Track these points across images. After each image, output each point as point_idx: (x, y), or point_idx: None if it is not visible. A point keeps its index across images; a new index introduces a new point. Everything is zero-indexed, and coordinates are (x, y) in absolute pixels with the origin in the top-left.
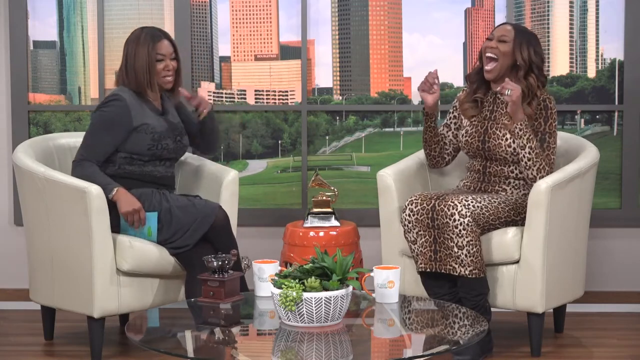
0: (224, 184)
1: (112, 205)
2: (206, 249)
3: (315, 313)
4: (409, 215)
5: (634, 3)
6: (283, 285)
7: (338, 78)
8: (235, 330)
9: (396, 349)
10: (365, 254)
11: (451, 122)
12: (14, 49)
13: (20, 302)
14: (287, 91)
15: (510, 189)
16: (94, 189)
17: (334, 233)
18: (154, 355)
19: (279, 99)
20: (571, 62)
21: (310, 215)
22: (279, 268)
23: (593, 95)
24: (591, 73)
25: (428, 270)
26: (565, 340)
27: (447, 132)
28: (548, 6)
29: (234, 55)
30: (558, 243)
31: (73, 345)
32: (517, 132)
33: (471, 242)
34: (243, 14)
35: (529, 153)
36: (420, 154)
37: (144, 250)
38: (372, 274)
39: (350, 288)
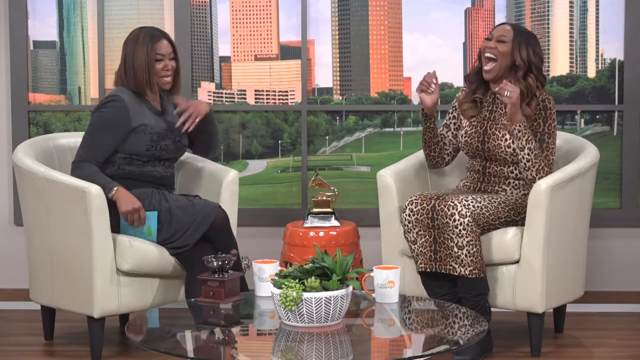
0: (224, 184)
1: (112, 205)
2: (206, 248)
3: (315, 313)
4: (409, 215)
5: (634, 3)
6: (283, 285)
7: (338, 78)
8: (235, 330)
9: (396, 349)
10: (365, 254)
11: (451, 123)
12: (14, 49)
13: (20, 302)
14: (287, 91)
15: (510, 189)
16: (94, 189)
17: (334, 233)
18: (154, 355)
19: (279, 99)
20: (571, 62)
21: (310, 215)
22: (279, 268)
23: (593, 95)
24: (591, 73)
25: (428, 270)
26: (565, 340)
27: (446, 132)
28: (548, 6)
29: (234, 55)
30: (558, 243)
31: (73, 345)
32: (516, 134)
33: (471, 242)
34: (243, 14)
35: (528, 154)
36: (420, 154)
37: (144, 250)
38: (372, 274)
39: (350, 288)
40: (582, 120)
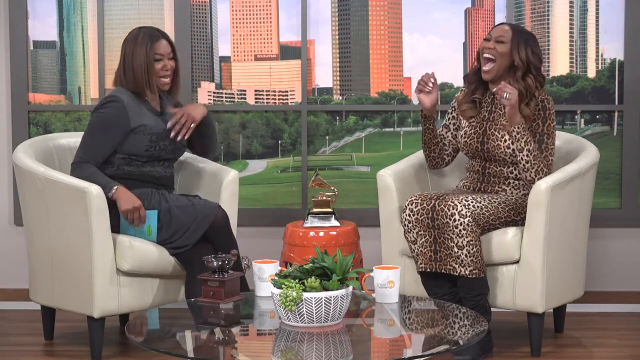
0: (224, 184)
1: (112, 205)
2: (206, 248)
3: (315, 313)
4: (409, 215)
5: (634, 3)
6: (283, 285)
7: (338, 78)
8: (235, 330)
9: (396, 349)
10: (365, 254)
11: (450, 123)
12: (14, 49)
13: (20, 302)
14: (287, 91)
15: (510, 189)
16: (94, 189)
17: (334, 233)
18: (154, 355)
19: (279, 99)
20: (571, 62)
21: (310, 215)
22: (279, 268)
23: (593, 95)
24: (591, 73)
25: (428, 270)
26: (565, 340)
27: (446, 132)
28: (548, 6)
29: (234, 55)
30: (558, 243)
31: (73, 345)
32: (515, 135)
33: (471, 242)
34: (243, 14)
35: (527, 156)
36: (420, 154)
37: (144, 250)
38: (372, 274)
39: (350, 288)
40: (582, 120)
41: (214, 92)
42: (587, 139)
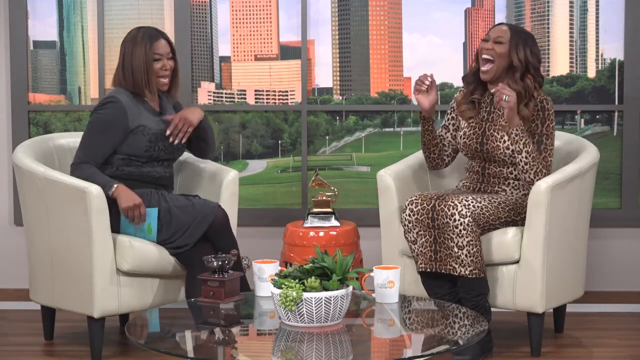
0: (224, 184)
1: (112, 205)
2: (206, 248)
3: (315, 313)
4: (409, 215)
5: (634, 3)
6: (283, 285)
7: (338, 78)
8: (235, 330)
9: (396, 349)
10: (365, 254)
11: (449, 124)
12: (14, 49)
13: (20, 302)
14: (287, 91)
15: (509, 189)
16: (94, 189)
17: (334, 233)
18: (154, 355)
19: (279, 99)
20: (571, 62)
21: (310, 215)
22: (279, 268)
23: (593, 95)
24: (591, 73)
25: (428, 270)
26: (565, 340)
27: (445, 133)
28: (548, 6)
29: (234, 55)
30: (558, 243)
31: (73, 345)
32: (513, 137)
33: (471, 242)
34: (243, 14)
35: (526, 157)
36: (420, 154)
37: (144, 250)
38: (372, 274)
39: (350, 288)
40: (582, 120)
41: (214, 92)
42: (587, 139)
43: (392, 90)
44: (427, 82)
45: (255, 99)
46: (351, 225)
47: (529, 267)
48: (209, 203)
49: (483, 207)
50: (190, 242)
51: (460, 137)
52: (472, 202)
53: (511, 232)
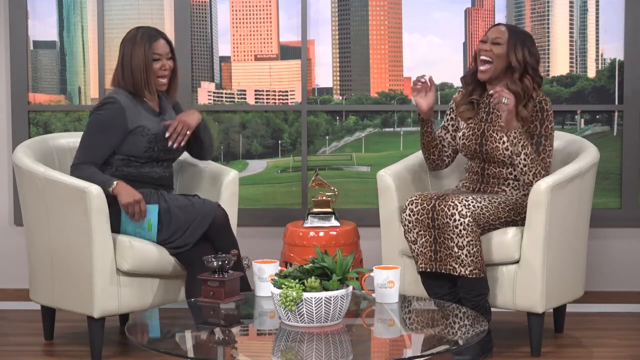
0: (224, 184)
1: (112, 205)
2: (206, 248)
3: (315, 313)
4: (409, 215)
5: (634, 3)
6: (283, 285)
7: (338, 78)
8: (235, 330)
9: (396, 349)
10: (365, 254)
11: (448, 124)
12: (14, 49)
13: (20, 302)
14: (287, 91)
15: (509, 189)
16: (94, 189)
17: (334, 233)
18: (154, 355)
19: (279, 99)
20: (571, 62)
21: (310, 215)
22: (279, 268)
23: (593, 95)
24: (591, 73)
25: (428, 270)
26: (565, 340)
27: (445, 134)
28: (548, 6)
29: (234, 55)
30: (558, 243)
31: (73, 345)
32: (512, 140)
33: (471, 242)
34: (243, 14)
35: (525, 159)
36: (420, 154)
37: (144, 250)
38: (372, 274)
39: (350, 288)
40: (582, 120)
41: (214, 92)
42: (587, 139)
43: (392, 90)
44: (422, 80)
45: (255, 99)
46: (351, 225)
47: (529, 267)
48: (208, 203)
49: (483, 207)
50: (190, 242)
51: (460, 138)
52: (472, 202)
53: (511, 232)
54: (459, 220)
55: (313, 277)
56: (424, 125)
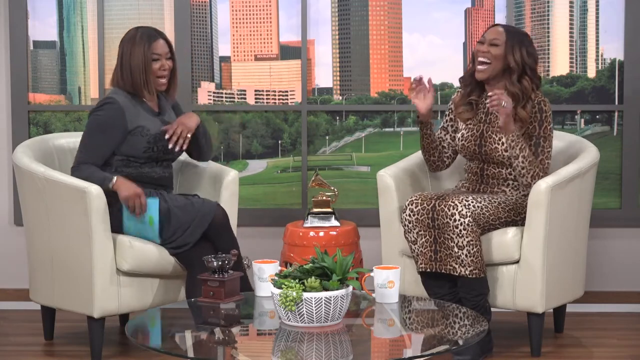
0: (224, 184)
1: (112, 205)
2: (206, 248)
3: (315, 313)
4: (410, 215)
5: (634, 3)
6: (283, 285)
7: (338, 78)
8: (235, 330)
9: (396, 349)
10: (365, 254)
11: (448, 125)
12: (14, 49)
13: (20, 302)
14: (287, 91)
15: (509, 190)
16: (94, 189)
17: (334, 233)
18: (154, 355)
19: (279, 99)
20: (571, 62)
21: (310, 215)
22: (279, 268)
23: (593, 95)
24: (591, 73)
25: (428, 270)
26: (565, 340)
27: (444, 135)
28: (548, 6)
29: (234, 55)
30: (558, 243)
31: (73, 345)
32: (510, 143)
33: (471, 242)
34: (243, 14)
35: (522, 162)
36: (420, 154)
37: (144, 250)
38: (372, 274)
39: (350, 288)
40: (582, 120)
41: (214, 92)
42: (587, 139)
43: (392, 90)
44: (417, 78)
45: (255, 99)
46: (351, 225)
47: (529, 267)
48: (208, 202)
49: (483, 207)
50: (190, 242)
51: (459, 139)
52: (472, 202)
53: (511, 232)
54: (459, 220)
55: (313, 277)
56: (423, 128)
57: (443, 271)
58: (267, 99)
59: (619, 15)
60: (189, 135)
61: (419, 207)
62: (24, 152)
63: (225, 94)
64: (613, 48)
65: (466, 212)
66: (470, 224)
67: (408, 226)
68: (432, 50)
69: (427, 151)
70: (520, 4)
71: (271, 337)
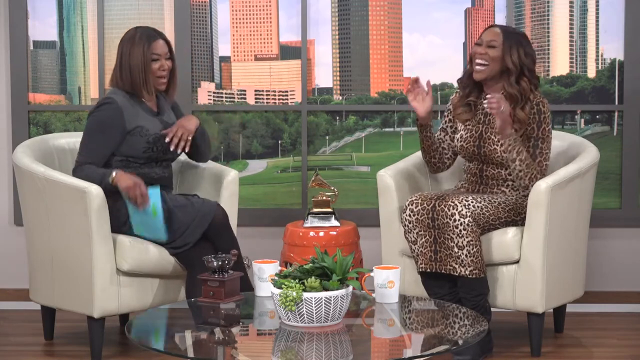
0: (224, 184)
1: (112, 205)
2: (206, 248)
3: (315, 313)
4: (410, 216)
5: (634, 3)
6: (283, 285)
7: (338, 78)
8: (235, 330)
9: (396, 349)
10: (365, 254)
11: (447, 126)
12: (14, 49)
13: (20, 302)
14: (287, 91)
15: (508, 190)
16: (94, 189)
17: (334, 233)
18: (154, 355)
19: (279, 99)
20: (571, 62)
21: (310, 215)
22: (279, 268)
23: (593, 95)
24: (591, 73)
25: (428, 270)
26: (565, 340)
27: (444, 136)
28: (548, 6)
29: (234, 55)
30: (558, 243)
31: (73, 345)
32: (507, 147)
33: (471, 242)
34: (243, 14)
35: (520, 165)
36: (420, 154)
37: (144, 250)
38: (372, 274)
39: (350, 288)
40: (582, 120)
41: (214, 92)
42: (587, 139)
43: (392, 90)
44: (413, 80)
45: (255, 99)
46: (351, 225)
47: (529, 267)
48: (208, 202)
49: (483, 207)
50: (190, 242)
51: (457, 140)
52: (472, 202)
53: (511, 232)
54: (459, 220)
55: (313, 277)
56: (423, 130)
57: (443, 271)
58: (267, 99)
59: (619, 15)
60: (189, 138)
61: (419, 207)
62: (24, 152)
63: (225, 94)
64: (613, 48)
65: (466, 212)
66: (470, 224)
67: (408, 226)
68: (432, 50)
69: (427, 153)
70: (520, 4)
71: (271, 337)
